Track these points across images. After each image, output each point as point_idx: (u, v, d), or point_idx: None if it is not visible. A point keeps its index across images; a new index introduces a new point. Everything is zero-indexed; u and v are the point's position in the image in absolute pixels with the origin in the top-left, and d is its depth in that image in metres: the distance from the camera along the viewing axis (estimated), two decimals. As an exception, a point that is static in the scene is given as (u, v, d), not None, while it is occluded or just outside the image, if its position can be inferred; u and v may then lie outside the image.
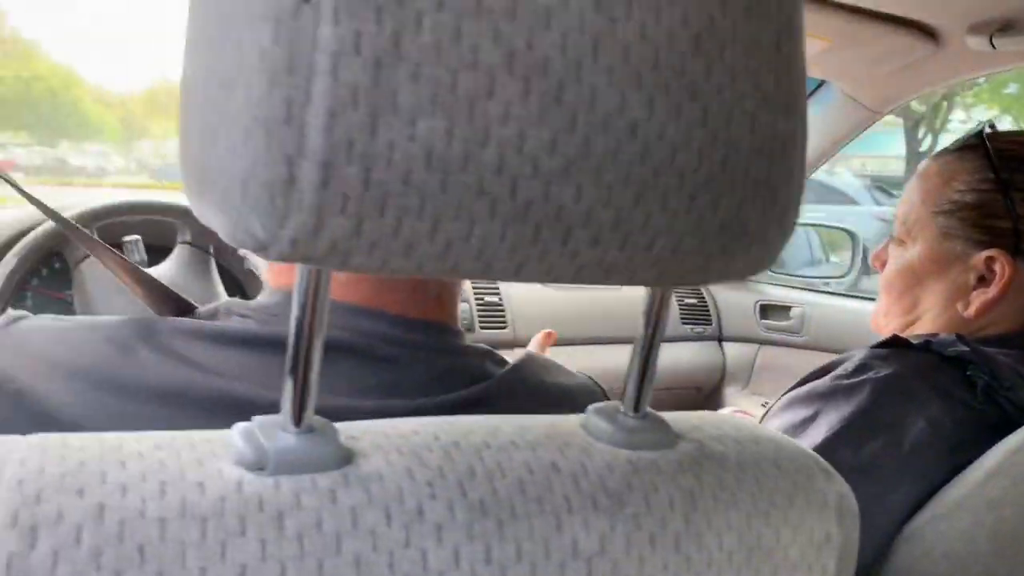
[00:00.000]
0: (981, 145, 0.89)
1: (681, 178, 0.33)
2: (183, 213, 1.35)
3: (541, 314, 1.82)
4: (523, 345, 1.24)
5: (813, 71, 1.54)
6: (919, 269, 0.92)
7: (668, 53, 0.32)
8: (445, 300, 0.57)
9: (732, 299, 2.12)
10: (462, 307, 1.70)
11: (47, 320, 0.53)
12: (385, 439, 0.39)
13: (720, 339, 2.10)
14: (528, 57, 0.29)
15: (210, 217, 0.33)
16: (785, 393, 0.89)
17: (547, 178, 0.31)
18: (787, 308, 2.04)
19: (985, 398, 0.78)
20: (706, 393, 2.09)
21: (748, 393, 2.07)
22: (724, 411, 1.74)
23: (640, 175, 0.32)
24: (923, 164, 0.95)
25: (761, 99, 0.35)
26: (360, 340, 0.52)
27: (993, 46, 1.24)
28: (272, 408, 0.43)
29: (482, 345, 0.58)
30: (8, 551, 0.30)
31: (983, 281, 0.88)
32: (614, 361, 1.72)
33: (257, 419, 0.38)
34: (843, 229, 2.19)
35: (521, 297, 1.82)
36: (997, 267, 0.86)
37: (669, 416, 0.46)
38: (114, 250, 0.72)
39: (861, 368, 0.83)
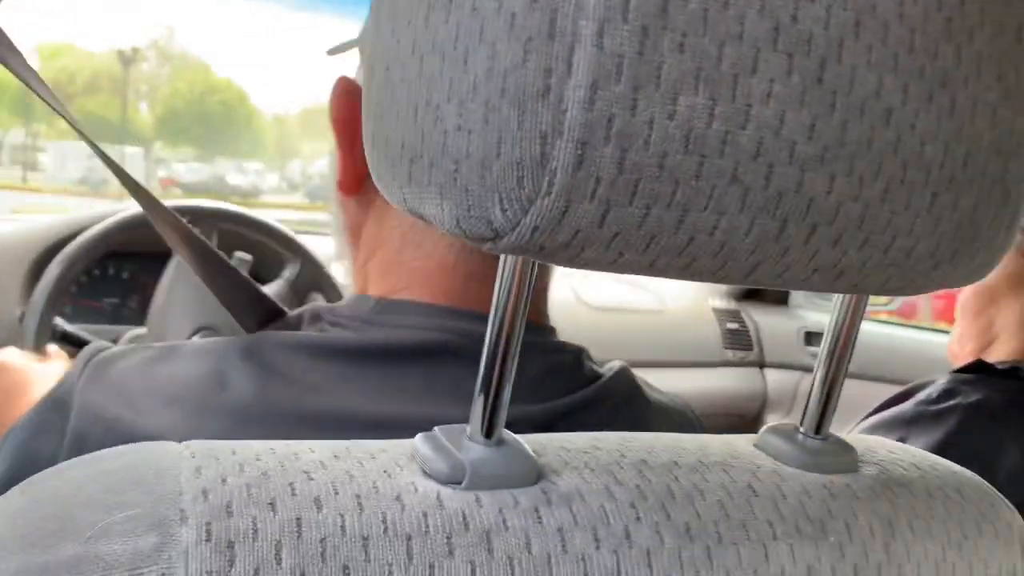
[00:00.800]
0: None
1: (927, 173, 0.31)
2: (299, 252, 1.28)
3: (576, 335, 1.81)
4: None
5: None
6: (994, 288, 0.91)
7: (922, 36, 0.29)
8: (537, 297, 0.53)
9: (774, 325, 2.05)
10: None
11: (131, 350, 0.51)
12: (567, 454, 0.37)
13: (762, 365, 2.04)
14: (792, 31, 0.27)
15: (423, 203, 0.31)
16: (863, 419, 0.87)
17: (802, 166, 0.28)
18: (833, 336, 1.96)
19: None
20: (747, 421, 2.03)
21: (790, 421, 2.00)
22: None
23: (890, 168, 0.30)
24: None
25: (1003, 92, 0.32)
26: (462, 341, 0.48)
27: None
28: (373, 423, 0.42)
29: (572, 343, 0.55)
30: (206, 569, 0.28)
31: None
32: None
33: (440, 430, 0.35)
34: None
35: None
36: None
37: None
38: (203, 237, 0.64)
39: (947, 394, 0.81)
